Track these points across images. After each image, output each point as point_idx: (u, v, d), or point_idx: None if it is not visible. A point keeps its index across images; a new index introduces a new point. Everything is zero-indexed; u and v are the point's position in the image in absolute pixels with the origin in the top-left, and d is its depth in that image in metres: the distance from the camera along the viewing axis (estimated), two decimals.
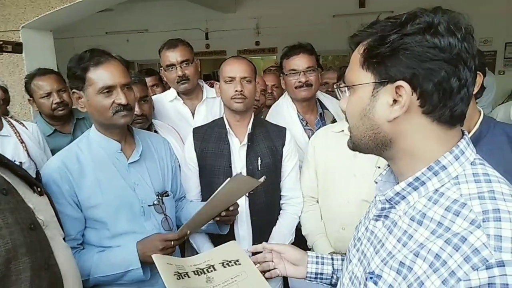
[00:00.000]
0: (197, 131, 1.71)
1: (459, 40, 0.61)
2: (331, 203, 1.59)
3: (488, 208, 0.58)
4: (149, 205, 1.39)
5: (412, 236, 0.64)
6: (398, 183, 0.72)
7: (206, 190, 1.68)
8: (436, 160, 0.65)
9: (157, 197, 1.42)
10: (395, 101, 0.65)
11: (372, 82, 0.67)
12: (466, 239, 0.56)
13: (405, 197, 0.68)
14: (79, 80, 1.30)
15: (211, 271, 1.12)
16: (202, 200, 1.70)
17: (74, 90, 1.34)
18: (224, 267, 1.13)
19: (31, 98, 2.28)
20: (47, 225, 1.02)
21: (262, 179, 1.35)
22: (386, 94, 0.65)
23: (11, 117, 2.91)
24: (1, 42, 2.56)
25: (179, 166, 1.68)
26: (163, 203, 1.43)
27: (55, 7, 3.20)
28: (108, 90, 1.29)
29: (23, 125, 1.95)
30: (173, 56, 2.07)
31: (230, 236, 1.61)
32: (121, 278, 1.30)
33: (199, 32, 7.43)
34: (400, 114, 0.64)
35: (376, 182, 0.79)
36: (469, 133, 1.28)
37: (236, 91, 1.56)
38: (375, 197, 0.84)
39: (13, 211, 0.92)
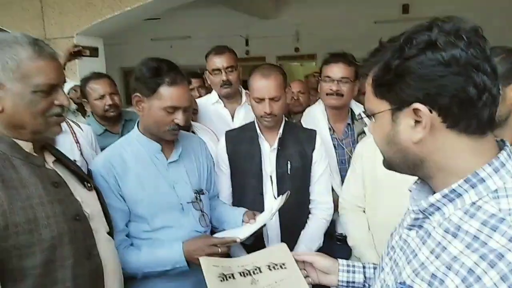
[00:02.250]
0: (229, 134, 1.77)
1: (463, 49, 0.60)
2: (380, 214, 1.53)
3: None
4: (187, 202, 1.46)
5: (446, 248, 0.62)
6: (433, 192, 0.70)
7: (237, 192, 1.74)
8: (473, 172, 0.62)
9: (195, 194, 1.49)
10: (417, 122, 0.64)
11: (389, 109, 0.67)
12: (503, 256, 0.54)
13: (439, 209, 0.66)
14: (149, 90, 1.35)
15: (257, 273, 1.12)
16: (233, 201, 1.75)
17: (137, 94, 1.38)
18: (270, 270, 1.12)
19: (85, 100, 2.45)
20: (92, 218, 1.11)
21: (285, 197, 1.41)
22: (406, 117, 0.65)
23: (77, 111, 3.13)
24: (80, 47, 2.82)
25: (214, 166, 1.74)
26: (200, 200, 1.50)
27: (106, 15, 3.42)
28: (173, 109, 1.36)
29: (79, 126, 2.10)
30: (220, 61, 2.17)
31: (260, 239, 1.64)
32: (169, 271, 1.38)
33: (240, 38, 7.56)
34: (425, 135, 0.64)
35: (410, 191, 0.77)
36: None
37: (265, 112, 1.59)
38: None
39: (61, 202, 1.02)
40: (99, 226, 1.15)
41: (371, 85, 0.69)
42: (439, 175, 0.67)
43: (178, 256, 1.35)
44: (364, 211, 1.66)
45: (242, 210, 1.60)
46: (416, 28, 0.64)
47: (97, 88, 2.36)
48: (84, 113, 3.17)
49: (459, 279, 0.57)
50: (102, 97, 2.35)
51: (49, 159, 1.09)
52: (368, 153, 1.62)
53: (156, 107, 1.36)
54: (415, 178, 0.75)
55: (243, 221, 1.53)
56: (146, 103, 1.38)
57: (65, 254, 0.98)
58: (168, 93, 1.34)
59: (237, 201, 1.74)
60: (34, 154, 1.03)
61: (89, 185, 1.18)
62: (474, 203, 0.62)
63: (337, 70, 1.91)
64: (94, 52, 3.02)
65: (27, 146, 1.02)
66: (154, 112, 1.36)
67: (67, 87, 2.82)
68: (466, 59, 0.60)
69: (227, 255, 1.43)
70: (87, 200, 1.12)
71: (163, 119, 1.37)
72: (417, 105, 0.62)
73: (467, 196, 0.63)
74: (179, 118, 1.37)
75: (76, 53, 2.83)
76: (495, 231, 0.57)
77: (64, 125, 2.05)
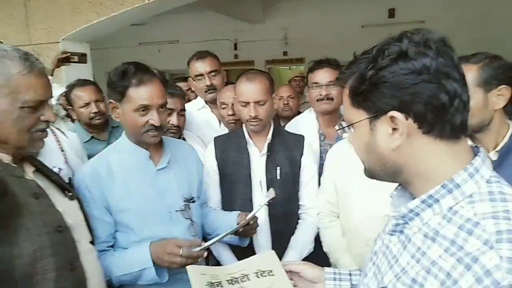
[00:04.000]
0: (217, 140, 1.76)
1: (433, 58, 0.63)
2: (352, 219, 1.56)
3: (502, 228, 0.57)
4: (176, 211, 1.44)
5: (425, 253, 0.64)
6: (413, 198, 0.71)
7: (226, 198, 1.72)
8: (450, 178, 0.65)
9: (184, 203, 1.47)
10: (394, 129, 0.66)
11: (366, 118, 0.69)
12: (477, 259, 0.56)
13: (419, 214, 0.68)
14: (119, 94, 1.34)
15: (245, 280, 1.12)
16: (222, 208, 1.74)
17: (111, 101, 1.38)
18: (258, 277, 1.12)
19: (70, 107, 2.41)
20: (74, 228, 1.09)
21: (271, 195, 1.39)
22: (383, 125, 0.67)
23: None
24: (68, 54, 2.79)
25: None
26: (189, 208, 1.48)
27: (92, 20, 3.39)
28: (144, 109, 1.34)
29: (64, 134, 2.06)
30: (202, 66, 2.16)
31: (250, 245, 1.64)
32: (139, 278, 1.33)
33: (228, 42, 7.57)
34: (402, 141, 0.66)
35: (391, 197, 0.78)
36: (496, 147, 1.24)
37: (250, 116, 1.59)
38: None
39: (42, 214, 0.99)
40: (81, 236, 1.12)
41: (348, 96, 0.72)
42: (417, 181, 0.70)
43: (144, 255, 1.30)
44: (338, 217, 1.68)
45: (235, 213, 1.58)
46: (387, 40, 0.67)
47: (82, 96, 2.33)
48: (73, 120, 3.14)
49: (438, 282, 0.59)
50: (87, 104, 2.32)
51: (29, 169, 1.06)
52: (338, 158, 1.63)
53: (128, 110, 1.34)
54: (381, 181, 0.77)
55: (238, 224, 1.51)
56: (120, 108, 1.37)
57: (46, 267, 0.95)
58: (136, 94, 1.32)
59: (226, 208, 1.72)
60: (13, 165, 1.00)
61: (70, 194, 1.16)
62: (451, 208, 0.65)
63: (323, 75, 1.93)
64: (82, 58, 3.00)
65: (5, 158, 0.99)
66: (128, 115, 1.35)
67: (56, 93, 2.78)
68: (436, 67, 0.63)
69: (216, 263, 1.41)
70: (68, 210, 1.09)
71: (136, 121, 1.34)
72: (393, 113, 0.65)
73: (444, 201, 0.66)
74: (153, 118, 1.34)
75: (65, 60, 2.80)
76: (470, 235, 0.59)
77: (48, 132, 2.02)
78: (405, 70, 0.63)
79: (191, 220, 1.48)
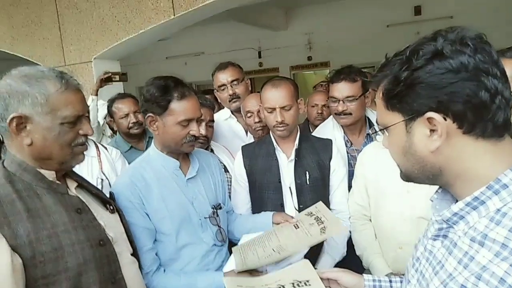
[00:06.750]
0: (245, 149, 1.79)
1: (470, 55, 0.61)
2: (385, 221, 1.53)
3: None
4: (205, 218, 1.48)
5: (473, 258, 0.61)
6: (456, 200, 0.69)
7: (257, 205, 1.74)
8: (496, 178, 0.62)
9: (212, 209, 1.51)
10: (432, 131, 0.64)
11: (402, 121, 0.67)
12: None
13: (463, 217, 0.65)
14: (160, 108, 1.38)
15: None
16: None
17: (150, 114, 1.41)
18: (294, 287, 1.12)
19: (112, 119, 2.55)
20: (116, 241, 1.12)
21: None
22: (420, 127, 0.65)
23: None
24: (110, 73, 2.95)
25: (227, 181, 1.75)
26: (217, 215, 1.52)
27: (122, 38, 3.52)
28: (187, 122, 1.40)
29: (107, 150, 2.24)
30: (224, 77, 2.20)
31: None
32: None
33: (252, 51, 7.64)
34: (441, 143, 0.64)
35: (432, 201, 0.76)
36: None
37: (277, 121, 1.60)
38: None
39: (85, 228, 1.03)
40: (122, 249, 1.15)
41: (382, 99, 0.70)
42: (459, 182, 0.67)
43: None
44: (370, 220, 1.65)
45: (268, 213, 1.59)
46: (421, 40, 0.65)
47: (121, 108, 2.50)
48: (114, 131, 3.28)
49: None
50: (126, 115, 2.48)
51: (72, 185, 1.11)
52: (369, 160, 1.61)
53: (171, 123, 1.39)
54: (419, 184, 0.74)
55: (273, 223, 1.53)
56: (160, 121, 1.41)
57: (90, 280, 0.99)
58: (179, 108, 1.38)
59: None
60: (57, 182, 1.05)
61: (111, 207, 1.20)
62: (499, 209, 0.62)
63: (340, 90, 1.87)
64: (123, 77, 3.16)
65: (50, 175, 1.04)
66: (169, 128, 1.40)
67: (103, 112, 2.93)
68: (474, 64, 0.60)
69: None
70: (110, 223, 1.13)
71: (179, 133, 1.40)
72: (430, 114, 0.63)
73: (491, 203, 0.63)
74: (194, 129, 1.41)
75: (107, 79, 2.96)
76: None
77: (93, 149, 2.14)
78: (442, 70, 0.61)
79: (219, 226, 1.52)
